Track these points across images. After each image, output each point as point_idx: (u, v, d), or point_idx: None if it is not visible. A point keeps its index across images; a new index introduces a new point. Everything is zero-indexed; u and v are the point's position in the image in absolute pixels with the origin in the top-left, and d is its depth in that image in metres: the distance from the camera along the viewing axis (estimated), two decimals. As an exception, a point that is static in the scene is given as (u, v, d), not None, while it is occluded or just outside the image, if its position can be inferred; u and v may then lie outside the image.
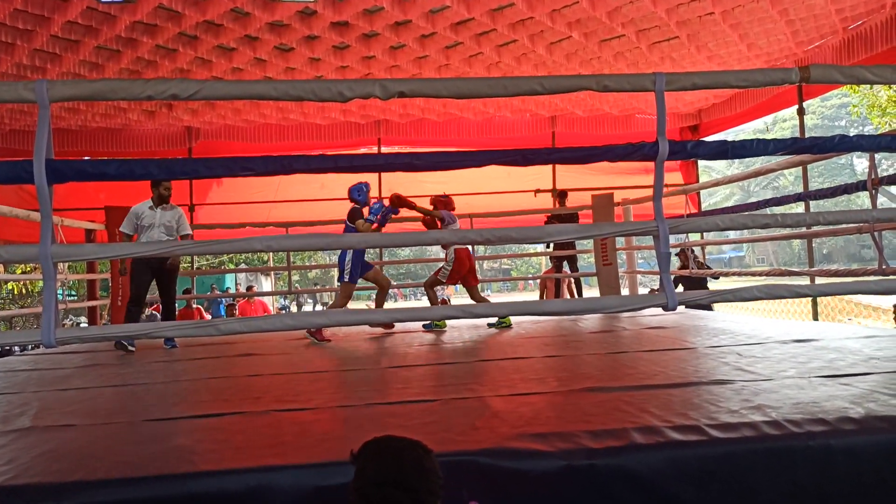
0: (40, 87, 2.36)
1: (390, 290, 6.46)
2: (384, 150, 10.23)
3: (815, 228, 5.35)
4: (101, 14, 6.02)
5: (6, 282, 12.77)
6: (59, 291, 8.53)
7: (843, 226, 4.76)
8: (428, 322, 5.98)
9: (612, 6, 6.26)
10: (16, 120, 8.89)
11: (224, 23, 6.33)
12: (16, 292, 14.15)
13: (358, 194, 5.85)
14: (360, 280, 5.87)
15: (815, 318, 7.76)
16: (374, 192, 8.12)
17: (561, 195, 9.19)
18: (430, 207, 6.24)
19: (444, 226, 6.15)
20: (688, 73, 2.55)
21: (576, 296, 8.90)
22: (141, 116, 9.07)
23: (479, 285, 6.47)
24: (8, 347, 7.56)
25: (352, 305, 6.60)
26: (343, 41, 6.96)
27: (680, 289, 8.43)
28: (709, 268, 8.41)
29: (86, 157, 9.48)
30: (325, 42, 6.99)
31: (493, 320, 6.01)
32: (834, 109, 42.70)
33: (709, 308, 7.41)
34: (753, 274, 6.65)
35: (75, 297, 13.55)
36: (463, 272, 6.22)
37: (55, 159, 2.38)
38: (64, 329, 2.39)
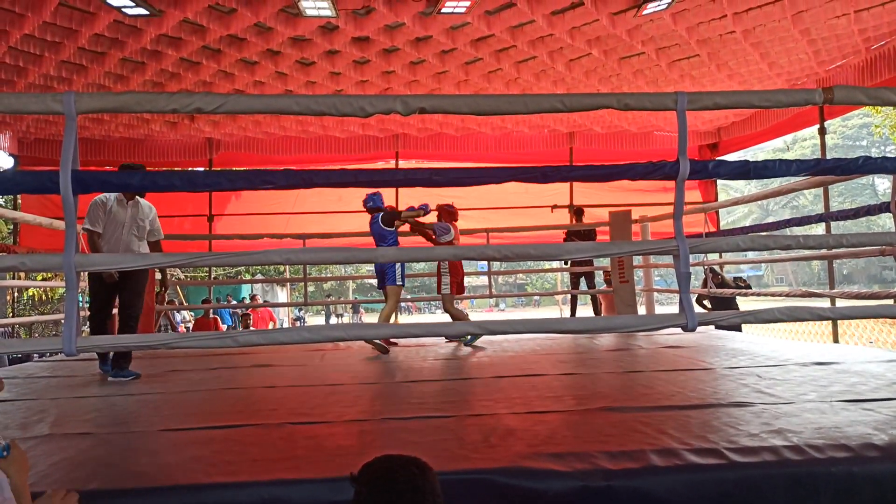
0: (68, 99, 2.40)
1: (402, 304, 6.49)
2: (402, 163, 10.28)
3: (836, 250, 5.28)
4: (128, 27, 6.13)
5: (26, 288, 12.94)
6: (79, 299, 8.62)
7: (865, 248, 4.70)
8: (469, 337, 5.89)
9: (631, 24, 6.26)
10: (41, 129, 9.06)
11: (247, 37, 6.42)
12: (36, 299, 14.33)
13: (375, 202, 6.05)
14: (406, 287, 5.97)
15: (836, 339, 7.64)
16: (388, 200, 8.17)
17: (577, 212, 9.16)
18: (436, 215, 6.30)
19: (437, 237, 6.18)
20: (710, 93, 2.54)
21: (601, 312, 8.85)
22: (163, 127, 9.20)
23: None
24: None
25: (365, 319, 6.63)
26: (363, 56, 7.02)
27: (709, 306, 8.36)
28: (739, 286, 8.32)
29: (108, 167, 9.63)
30: (346, 57, 7.05)
31: (469, 337, 5.94)
32: (855, 129, 42.32)
33: (738, 329, 7.30)
34: (773, 294, 6.57)
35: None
36: (459, 279, 6.23)
37: (80, 170, 2.42)
38: (84, 338, 2.41)
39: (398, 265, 5.90)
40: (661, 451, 2.22)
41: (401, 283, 5.94)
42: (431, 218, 6.35)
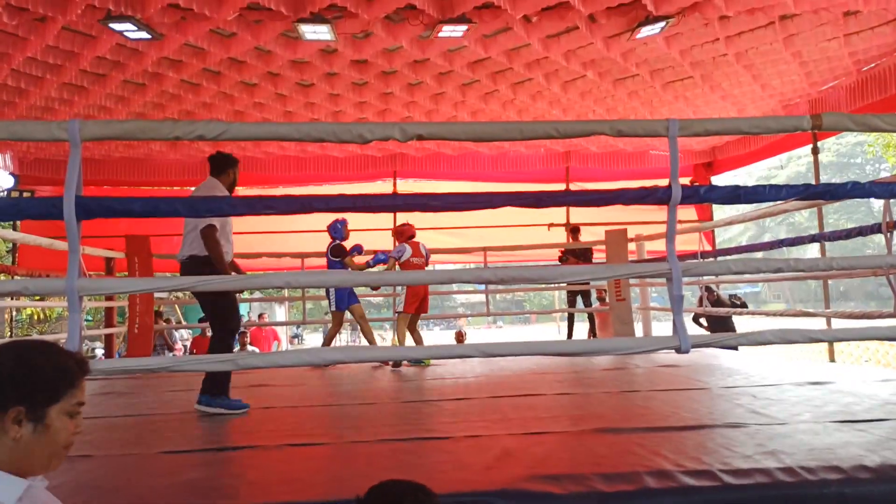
0: (73, 126, 2.46)
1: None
2: (399, 182, 10.35)
3: (829, 271, 5.34)
4: (129, 50, 6.22)
5: (24, 307, 12.95)
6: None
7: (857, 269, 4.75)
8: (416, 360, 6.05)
9: (626, 47, 6.37)
10: (41, 150, 9.13)
11: (247, 59, 6.51)
12: (35, 317, 14.32)
13: (335, 232, 6.49)
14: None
15: (833, 357, 7.68)
16: (387, 224, 8.26)
17: (574, 231, 9.21)
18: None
19: (396, 259, 6.32)
20: (700, 120, 2.61)
21: (597, 331, 8.87)
22: (164, 147, 9.27)
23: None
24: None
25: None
26: (362, 78, 7.12)
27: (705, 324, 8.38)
28: (735, 304, 8.34)
29: (107, 186, 9.70)
30: (345, 78, 7.15)
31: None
32: (850, 147, 42.58)
33: (734, 347, 7.32)
34: (768, 314, 6.61)
35: (91, 322, 13.68)
36: (420, 296, 6.30)
37: (84, 196, 2.47)
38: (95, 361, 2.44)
39: (333, 291, 6.39)
40: (655, 472, 2.25)
41: (336, 308, 6.45)
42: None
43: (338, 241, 6.47)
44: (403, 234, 6.48)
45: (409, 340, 6.29)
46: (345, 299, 6.48)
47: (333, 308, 6.51)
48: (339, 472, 2.43)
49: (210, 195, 3.48)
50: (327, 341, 6.93)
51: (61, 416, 1.26)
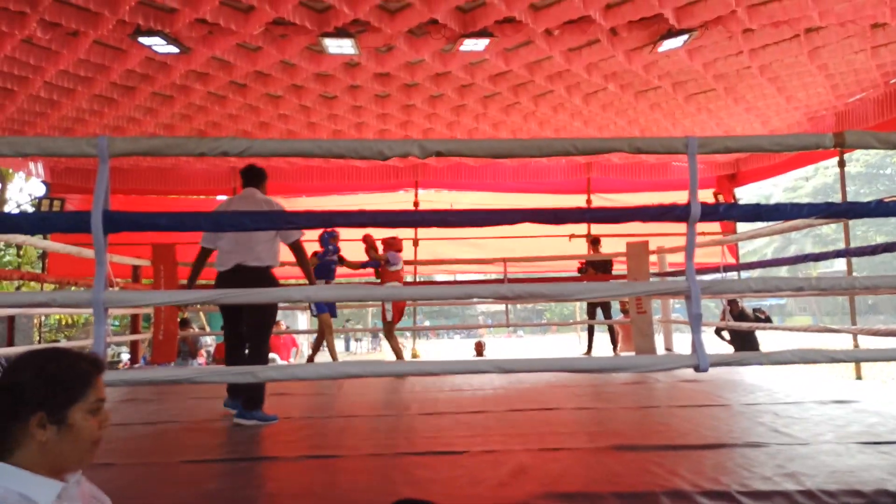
0: (101, 143, 2.53)
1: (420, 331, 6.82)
2: (421, 192, 10.39)
3: (853, 287, 5.25)
4: (158, 63, 6.35)
5: (52, 313, 13.22)
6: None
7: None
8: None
9: (647, 60, 6.35)
10: (71, 159, 9.33)
11: (272, 72, 6.61)
12: (62, 322, 14.61)
13: (322, 242, 6.66)
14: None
15: (859, 374, 7.52)
16: (409, 234, 8.33)
17: (594, 242, 9.18)
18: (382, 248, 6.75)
19: (388, 266, 6.60)
20: (720, 138, 2.60)
21: (618, 343, 8.82)
22: (190, 158, 9.43)
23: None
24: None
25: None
26: (384, 90, 7.19)
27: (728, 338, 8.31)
28: (759, 318, 8.25)
29: (134, 195, 9.88)
30: (368, 91, 7.23)
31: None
32: (879, 157, 41.80)
33: None
34: (792, 329, 6.51)
35: (117, 327, 13.91)
36: (402, 307, 6.69)
37: (111, 211, 2.53)
38: (109, 372, 2.50)
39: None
40: (671, 493, 2.24)
41: (317, 312, 6.55)
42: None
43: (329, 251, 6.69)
44: (394, 245, 6.72)
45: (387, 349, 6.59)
46: (324, 303, 6.49)
47: (316, 312, 6.62)
48: (355, 486, 2.46)
49: (257, 209, 3.44)
50: (321, 349, 7.00)
51: (83, 415, 1.35)
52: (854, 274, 7.33)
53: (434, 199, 10.87)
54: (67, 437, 1.33)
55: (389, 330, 6.68)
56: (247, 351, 3.92)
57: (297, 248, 3.84)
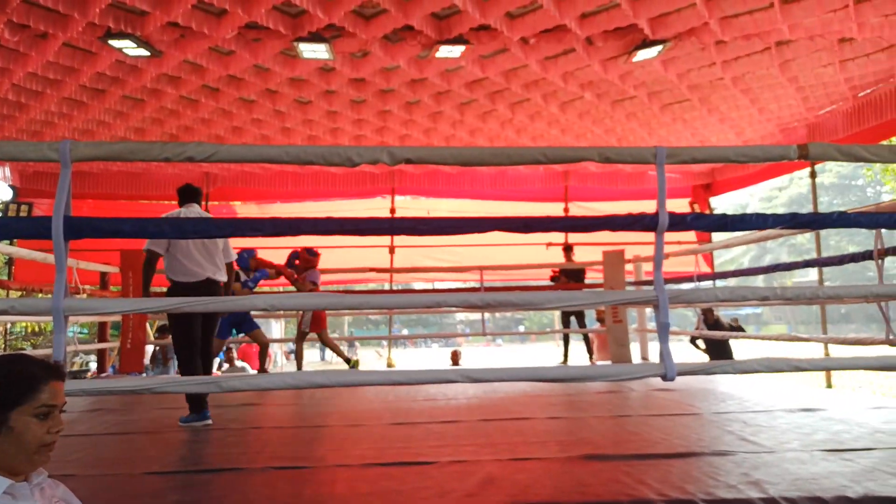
0: (63, 147, 2.47)
1: (399, 340, 6.75)
2: (399, 199, 10.37)
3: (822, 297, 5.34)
4: (129, 66, 6.27)
5: (18, 321, 12.95)
6: (71, 330, 8.62)
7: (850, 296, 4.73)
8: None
9: (623, 70, 6.41)
10: (40, 163, 9.16)
11: (246, 77, 6.56)
12: (28, 330, 14.31)
13: (240, 261, 6.41)
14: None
15: (829, 382, 7.63)
16: (385, 241, 8.28)
17: (567, 249, 9.22)
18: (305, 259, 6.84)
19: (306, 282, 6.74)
20: (688, 148, 2.62)
21: (594, 352, 8.85)
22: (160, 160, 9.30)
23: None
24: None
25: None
26: (360, 96, 7.17)
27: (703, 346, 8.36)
28: (733, 328, 8.32)
29: (104, 200, 9.72)
30: (343, 96, 7.20)
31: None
32: (851, 169, 42.61)
33: None
34: (764, 338, 6.59)
35: (86, 335, 13.65)
36: (323, 315, 6.77)
37: (73, 216, 2.47)
38: (71, 381, 2.44)
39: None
40: (638, 502, 2.23)
41: (254, 328, 6.46)
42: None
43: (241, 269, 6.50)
44: (311, 262, 6.82)
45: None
46: (227, 327, 6.24)
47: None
48: (319, 498, 2.41)
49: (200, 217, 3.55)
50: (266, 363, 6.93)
51: (25, 419, 1.38)
52: (826, 283, 7.45)
53: (411, 205, 10.84)
54: (9, 439, 1.37)
55: (301, 337, 6.78)
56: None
57: (230, 267, 4.32)
